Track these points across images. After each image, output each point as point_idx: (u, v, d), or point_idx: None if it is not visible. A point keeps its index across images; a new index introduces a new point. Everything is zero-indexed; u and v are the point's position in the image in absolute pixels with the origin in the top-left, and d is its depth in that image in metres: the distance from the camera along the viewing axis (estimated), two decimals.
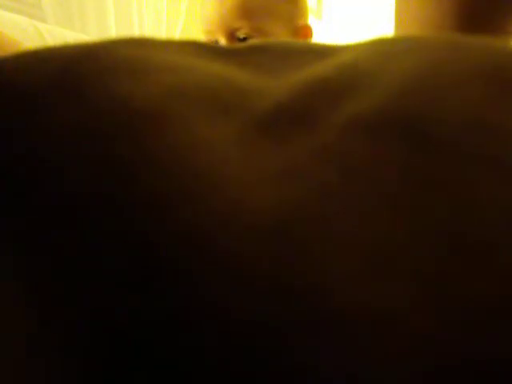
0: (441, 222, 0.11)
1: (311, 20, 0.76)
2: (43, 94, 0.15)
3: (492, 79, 0.15)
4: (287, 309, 0.10)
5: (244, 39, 0.66)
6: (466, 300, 0.10)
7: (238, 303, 0.10)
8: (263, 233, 0.11)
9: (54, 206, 0.12)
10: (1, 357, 0.12)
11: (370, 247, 0.11)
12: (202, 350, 0.10)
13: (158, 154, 0.13)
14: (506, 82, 0.15)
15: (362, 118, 0.14)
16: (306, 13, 0.74)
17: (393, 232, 0.11)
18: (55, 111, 0.14)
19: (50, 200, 0.13)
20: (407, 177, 0.13)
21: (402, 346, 0.10)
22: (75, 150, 0.13)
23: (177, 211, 0.12)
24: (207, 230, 0.11)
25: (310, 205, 0.12)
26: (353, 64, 0.18)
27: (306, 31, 0.72)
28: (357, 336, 0.10)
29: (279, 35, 0.70)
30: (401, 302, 0.10)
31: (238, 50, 0.21)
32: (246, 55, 0.21)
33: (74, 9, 1.08)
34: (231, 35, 0.67)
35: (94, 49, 0.18)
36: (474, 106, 0.14)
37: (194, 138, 0.14)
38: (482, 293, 0.10)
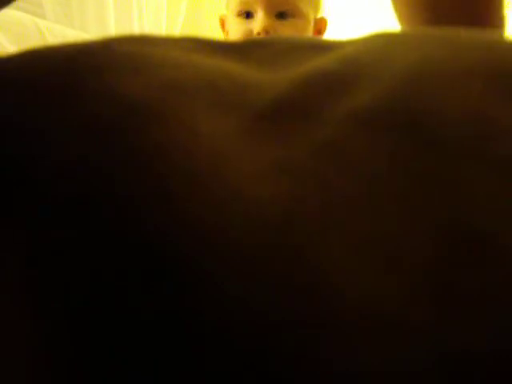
0: (441, 217, 0.11)
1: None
2: (41, 92, 0.15)
3: (493, 74, 0.15)
4: (289, 305, 0.10)
5: (282, 15, 0.70)
6: (466, 294, 0.10)
7: (243, 301, 0.10)
8: (264, 226, 0.11)
9: (51, 204, 0.12)
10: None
11: (370, 243, 0.11)
12: (204, 354, 0.10)
13: (160, 148, 0.13)
14: (506, 76, 0.15)
15: (362, 112, 0.14)
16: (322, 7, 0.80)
17: (393, 227, 0.11)
18: (53, 109, 0.14)
19: (45, 199, 0.13)
20: (408, 171, 0.12)
21: (401, 344, 0.10)
22: (74, 149, 0.13)
23: (180, 203, 0.12)
24: (210, 221, 0.11)
25: (309, 198, 0.12)
26: (354, 58, 0.18)
27: (325, 23, 0.79)
28: (356, 334, 0.10)
29: (309, 21, 0.73)
30: (401, 298, 0.10)
31: (238, 45, 0.21)
32: (247, 50, 0.21)
33: (74, 6, 1.08)
34: (272, 8, 0.69)
35: (92, 46, 0.18)
36: (474, 100, 0.14)
37: (195, 132, 0.14)
38: (481, 286, 0.10)
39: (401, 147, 0.13)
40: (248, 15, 0.71)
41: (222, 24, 0.81)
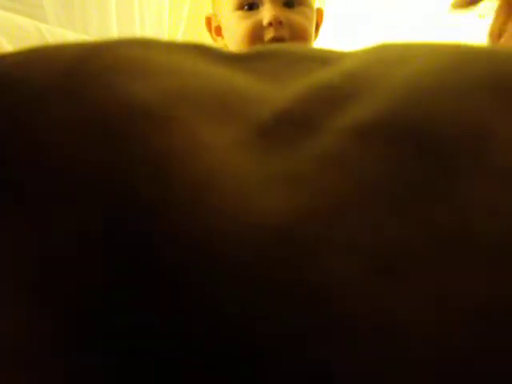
0: (441, 231, 0.12)
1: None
2: (46, 93, 0.15)
3: (492, 86, 0.15)
4: (291, 314, 0.10)
5: (289, 3, 0.65)
6: (466, 300, 0.10)
7: (242, 308, 0.10)
8: (266, 237, 0.11)
9: (53, 205, 0.13)
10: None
11: (371, 251, 0.11)
12: (205, 361, 0.10)
13: (160, 155, 0.13)
14: (505, 88, 0.15)
15: (362, 125, 0.14)
16: None
17: (394, 237, 0.12)
18: (57, 110, 0.14)
19: (44, 199, 0.13)
20: (407, 182, 0.13)
21: (401, 351, 0.10)
22: (75, 150, 0.13)
23: (177, 214, 0.12)
24: (208, 234, 0.11)
25: (311, 210, 0.12)
26: (355, 71, 0.18)
27: (322, 14, 0.76)
28: (357, 342, 0.10)
29: (314, 10, 0.70)
30: (401, 306, 0.10)
31: (242, 56, 0.22)
32: (251, 61, 0.21)
33: (76, 10, 1.08)
34: None
35: (98, 48, 0.18)
36: (473, 113, 0.14)
37: (197, 142, 0.14)
38: (482, 292, 0.11)
39: (401, 159, 0.13)
40: (251, 7, 0.65)
41: (209, 24, 0.74)
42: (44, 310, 0.11)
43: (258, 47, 0.23)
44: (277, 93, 0.17)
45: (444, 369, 0.10)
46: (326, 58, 0.21)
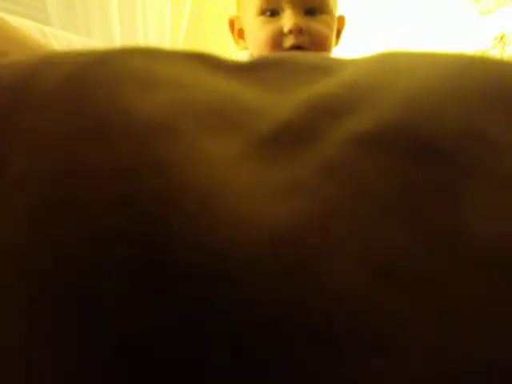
0: (441, 235, 0.12)
1: None
2: (47, 100, 0.15)
3: (496, 97, 0.16)
4: (295, 315, 0.11)
5: (311, 11, 0.66)
6: (466, 305, 0.10)
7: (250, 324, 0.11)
8: (266, 248, 0.11)
9: (49, 213, 0.13)
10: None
11: (371, 257, 0.11)
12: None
13: (159, 166, 0.13)
14: (506, 96, 0.16)
15: (364, 134, 0.15)
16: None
17: (396, 246, 0.12)
18: (56, 117, 0.15)
19: (42, 200, 0.13)
20: (408, 190, 0.13)
21: (402, 357, 0.10)
22: (73, 156, 0.13)
23: (178, 224, 0.12)
24: (208, 244, 0.12)
25: (314, 220, 0.12)
26: (357, 81, 0.18)
27: (343, 22, 0.77)
28: (357, 352, 0.10)
29: (335, 18, 0.70)
30: (401, 313, 0.10)
31: (244, 65, 0.22)
32: (253, 71, 0.21)
33: (79, 13, 1.09)
34: (301, 4, 0.65)
35: (101, 57, 0.18)
36: (477, 123, 0.14)
37: (197, 153, 0.14)
38: (482, 297, 0.11)
39: (401, 167, 0.13)
40: (273, 13, 0.66)
41: (232, 26, 0.75)
42: (44, 309, 0.11)
43: (262, 56, 0.23)
44: (277, 104, 0.17)
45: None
46: (328, 67, 0.21)
